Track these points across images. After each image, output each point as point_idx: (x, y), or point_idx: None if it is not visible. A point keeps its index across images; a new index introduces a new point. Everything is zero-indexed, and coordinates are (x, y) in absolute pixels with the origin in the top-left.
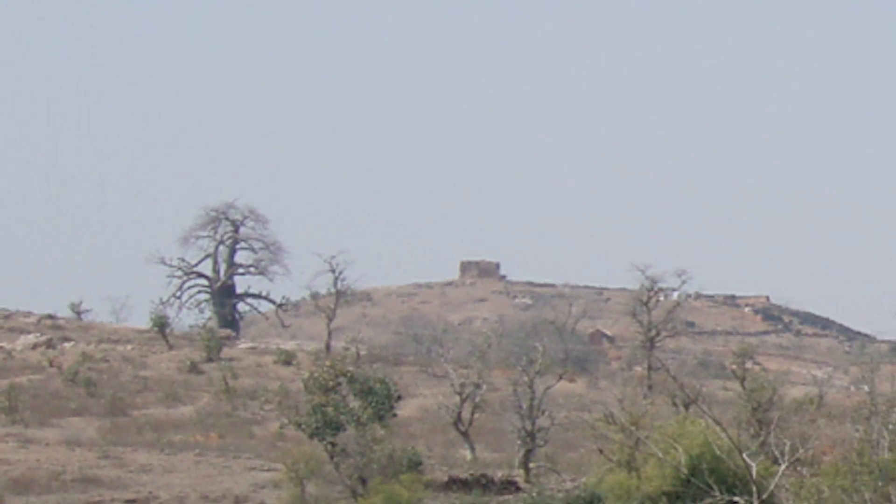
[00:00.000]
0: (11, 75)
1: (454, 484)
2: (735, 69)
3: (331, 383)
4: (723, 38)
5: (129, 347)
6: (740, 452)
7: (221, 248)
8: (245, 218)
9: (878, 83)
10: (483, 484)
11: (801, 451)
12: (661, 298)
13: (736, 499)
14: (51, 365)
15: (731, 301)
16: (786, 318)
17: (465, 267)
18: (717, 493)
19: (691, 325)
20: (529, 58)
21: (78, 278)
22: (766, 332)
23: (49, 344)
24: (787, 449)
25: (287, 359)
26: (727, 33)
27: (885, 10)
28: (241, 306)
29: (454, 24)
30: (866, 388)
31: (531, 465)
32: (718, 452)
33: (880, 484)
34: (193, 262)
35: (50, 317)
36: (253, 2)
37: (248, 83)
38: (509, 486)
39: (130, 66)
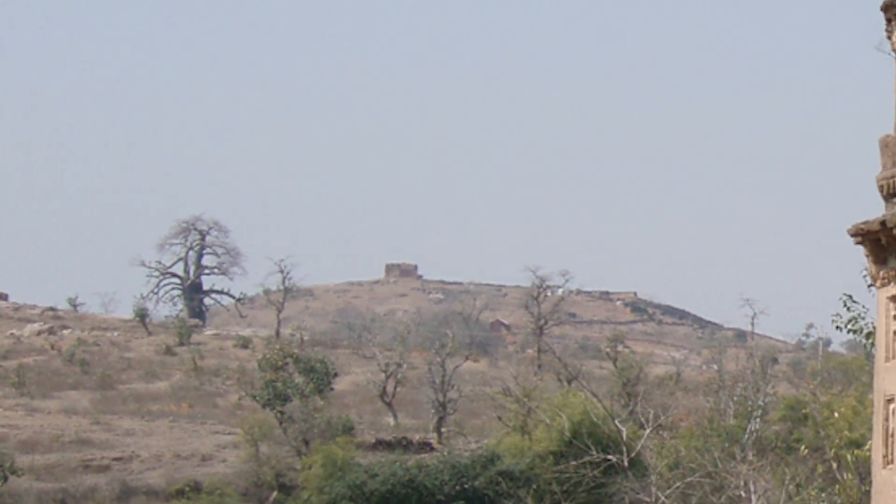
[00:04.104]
0: (9, 117)
1: (380, 445)
2: (604, 83)
3: (280, 363)
4: (596, 49)
5: (115, 334)
6: (613, 419)
7: (191, 252)
8: (210, 228)
9: (712, 95)
10: (404, 445)
11: (662, 418)
12: (549, 294)
13: (609, 457)
14: (52, 348)
15: (606, 296)
16: (650, 310)
17: (389, 268)
18: (595, 453)
19: (573, 315)
20: (433, 80)
21: (75, 277)
22: (634, 322)
23: (51, 331)
24: (651, 416)
25: (244, 343)
26: (611, 43)
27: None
28: (206, 300)
29: (378, 56)
30: (715, 367)
31: (443, 429)
32: (595, 419)
33: (727, 444)
34: (168, 265)
35: (51, 309)
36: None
37: (214, 118)
38: (425, 446)
39: (113, 98)
